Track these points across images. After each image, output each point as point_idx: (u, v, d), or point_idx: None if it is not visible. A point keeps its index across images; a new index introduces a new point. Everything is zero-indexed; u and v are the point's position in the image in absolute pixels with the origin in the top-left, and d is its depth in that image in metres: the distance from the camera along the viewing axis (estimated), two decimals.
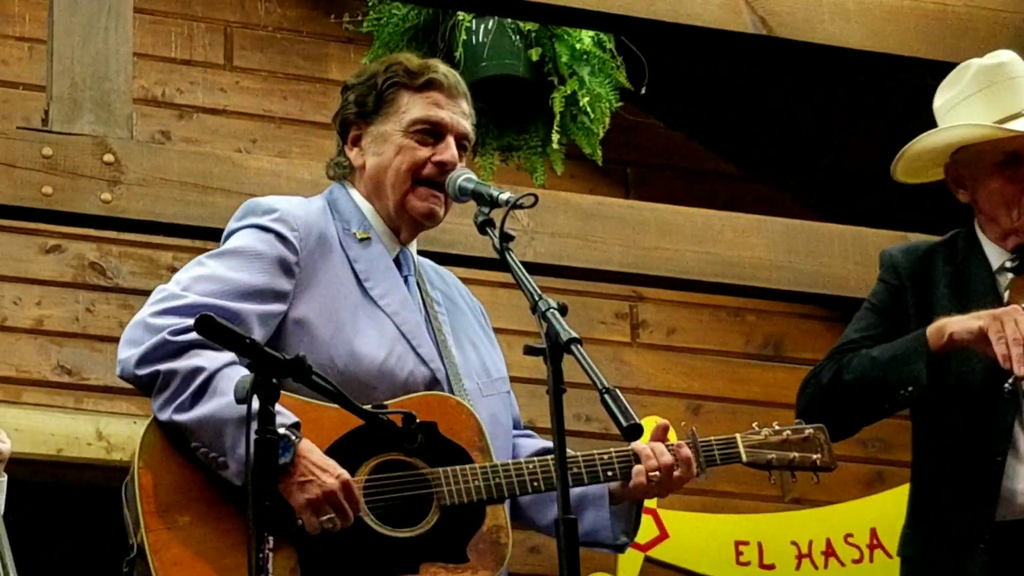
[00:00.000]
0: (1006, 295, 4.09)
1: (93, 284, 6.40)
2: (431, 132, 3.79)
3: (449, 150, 3.77)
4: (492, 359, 3.95)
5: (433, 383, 3.69)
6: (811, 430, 3.96)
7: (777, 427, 3.95)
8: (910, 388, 3.98)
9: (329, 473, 3.42)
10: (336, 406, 3.32)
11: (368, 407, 3.34)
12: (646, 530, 6.50)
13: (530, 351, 3.24)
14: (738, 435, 3.90)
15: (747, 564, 6.81)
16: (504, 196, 3.44)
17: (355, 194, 3.91)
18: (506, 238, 3.43)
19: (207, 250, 3.95)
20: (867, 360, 4.09)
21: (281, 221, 3.73)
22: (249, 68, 6.88)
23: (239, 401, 3.11)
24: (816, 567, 6.80)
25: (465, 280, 4.33)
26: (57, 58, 5.15)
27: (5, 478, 4.94)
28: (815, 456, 3.93)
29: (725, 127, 7.31)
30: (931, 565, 4.11)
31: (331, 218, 3.87)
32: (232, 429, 3.46)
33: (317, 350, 3.55)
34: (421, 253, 4.41)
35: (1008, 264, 4.15)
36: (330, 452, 3.51)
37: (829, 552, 6.81)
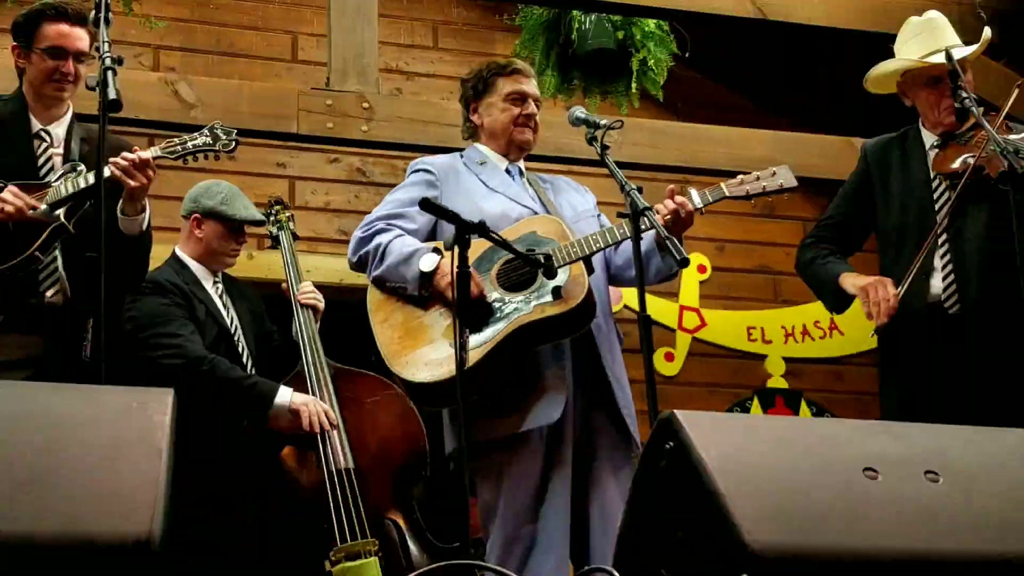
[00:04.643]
0: (931, 161, 4.19)
1: (358, 181, 6.61)
2: (517, 97, 4.17)
3: (530, 107, 4.17)
4: (583, 204, 4.24)
5: (530, 213, 4.01)
6: (776, 168, 4.05)
7: (752, 173, 4.04)
8: (830, 302, 4.33)
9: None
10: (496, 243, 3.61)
11: (495, 234, 3.53)
12: (692, 319, 6.79)
13: (621, 215, 3.65)
14: (723, 183, 4.02)
15: (755, 341, 6.85)
16: (603, 122, 3.82)
17: (478, 144, 4.26)
18: (604, 148, 3.78)
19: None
20: (815, 273, 4.38)
21: (421, 168, 4.18)
22: (448, 48, 7.02)
23: (447, 248, 3.51)
24: (797, 341, 6.86)
25: (578, 175, 4.68)
26: (334, 46, 5.58)
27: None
28: (780, 182, 3.97)
29: (741, 75, 7.16)
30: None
31: (460, 160, 4.21)
32: (401, 267, 3.89)
33: (466, 214, 3.59)
34: (561, 159, 5.00)
35: (935, 143, 4.21)
36: (481, 257, 3.84)
37: (804, 332, 6.87)
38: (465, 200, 3.95)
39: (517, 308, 3.77)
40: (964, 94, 3.90)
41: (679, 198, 3.84)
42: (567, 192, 4.28)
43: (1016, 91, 4.14)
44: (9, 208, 3.66)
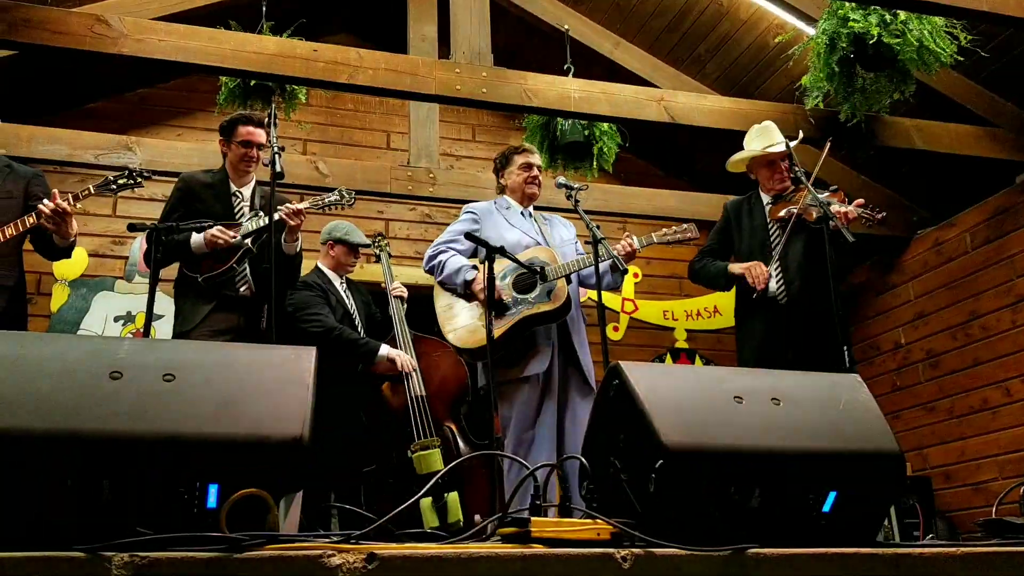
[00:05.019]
0: (767, 214, 4.15)
1: (426, 221, 6.39)
2: (527, 167, 4.13)
3: (534, 172, 4.13)
4: (567, 235, 4.13)
5: (536, 244, 3.95)
6: (687, 224, 4.03)
7: (672, 227, 4.01)
8: (723, 283, 4.20)
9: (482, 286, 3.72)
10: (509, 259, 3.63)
11: (511, 255, 3.57)
12: (629, 306, 6.61)
13: (587, 242, 3.74)
14: (654, 233, 3.98)
15: (667, 319, 6.67)
16: (576, 185, 3.90)
17: (506, 195, 4.17)
18: (576, 201, 3.85)
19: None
20: (707, 271, 4.25)
21: (469, 211, 4.12)
22: (481, 140, 6.82)
23: (481, 262, 3.71)
24: (694, 319, 6.71)
25: (564, 213, 4.50)
26: (412, 139, 5.71)
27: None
28: (689, 235, 3.96)
29: (659, 155, 6.93)
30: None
31: (494, 205, 4.12)
32: (454, 276, 3.90)
33: (494, 242, 3.58)
34: (551, 208, 4.75)
35: (769, 201, 4.18)
36: (503, 270, 3.82)
37: (699, 314, 6.72)
38: (494, 231, 3.94)
39: (524, 305, 3.80)
40: (796, 168, 3.89)
41: (630, 241, 3.89)
42: (558, 227, 4.19)
43: (827, 146, 4.16)
44: (222, 239, 3.72)
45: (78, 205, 3.51)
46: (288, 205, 3.82)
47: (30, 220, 3.46)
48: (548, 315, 3.79)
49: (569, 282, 3.83)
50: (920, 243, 6.10)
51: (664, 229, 4.01)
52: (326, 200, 4.04)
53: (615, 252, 3.72)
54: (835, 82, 4.67)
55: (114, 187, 3.64)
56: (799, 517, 2.00)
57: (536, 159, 4.20)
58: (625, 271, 3.70)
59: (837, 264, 3.75)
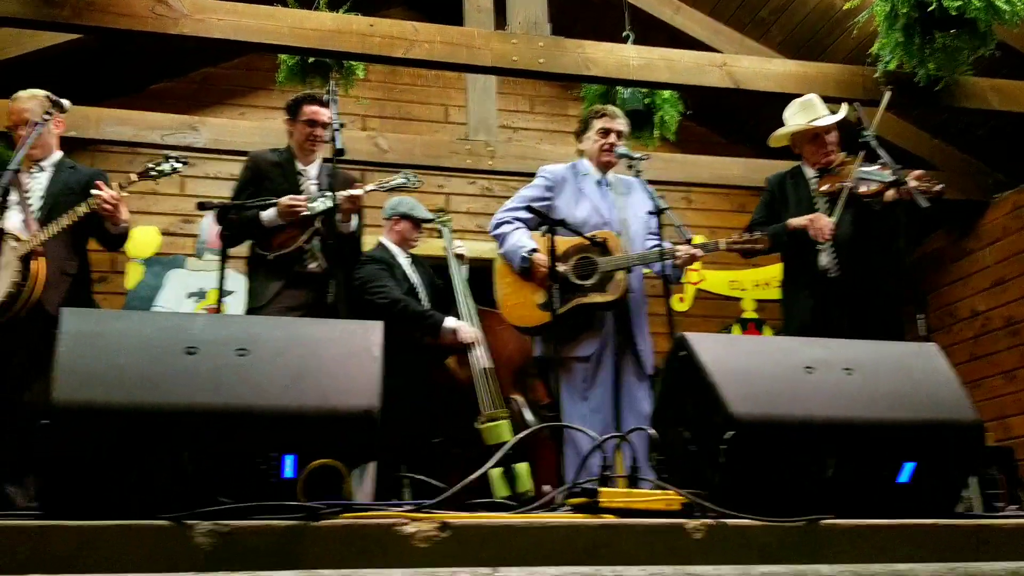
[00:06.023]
0: (813, 189, 4.08)
1: (486, 194, 6.40)
2: (604, 132, 4.03)
3: (610, 139, 4.01)
4: (643, 207, 3.93)
5: (604, 224, 3.87)
6: (757, 234, 3.90)
7: (740, 236, 3.92)
8: (784, 240, 4.03)
9: (542, 266, 3.74)
10: (572, 236, 3.70)
11: (571, 227, 3.63)
12: (695, 276, 6.58)
13: (649, 213, 3.75)
14: (722, 240, 3.88)
15: (735, 289, 6.67)
16: (637, 155, 3.80)
17: (583, 160, 4.10)
18: (638, 171, 3.77)
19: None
20: (772, 231, 4.01)
21: (543, 175, 4.06)
22: (539, 112, 6.79)
23: (542, 235, 3.63)
24: (762, 288, 6.60)
25: None
26: (470, 112, 5.66)
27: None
28: (759, 246, 3.88)
29: (721, 122, 6.78)
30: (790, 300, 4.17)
31: (570, 170, 4.05)
32: (513, 254, 3.88)
33: (563, 215, 3.79)
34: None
35: (814, 176, 4.11)
36: (565, 251, 3.80)
37: (767, 284, 6.55)
38: (565, 203, 3.92)
39: (579, 293, 3.77)
40: (866, 132, 3.74)
41: (691, 250, 3.77)
42: (635, 198, 4.03)
43: (886, 97, 4.06)
44: (299, 206, 3.82)
45: (124, 193, 3.60)
46: (350, 191, 3.81)
47: (82, 209, 3.59)
48: (601, 305, 3.76)
49: (630, 271, 3.79)
50: (998, 207, 5.95)
51: (735, 236, 3.94)
52: (391, 183, 4.08)
53: (674, 251, 3.68)
54: (904, 48, 4.53)
55: (154, 173, 3.72)
56: (875, 488, 1.98)
57: (616, 124, 4.07)
58: (690, 239, 3.67)
59: (907, 232, 3.70)
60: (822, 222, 3.90)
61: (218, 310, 3.61)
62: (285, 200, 3.83)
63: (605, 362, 3.77)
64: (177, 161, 3.73)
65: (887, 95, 4.08)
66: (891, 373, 2.09)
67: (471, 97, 5.70)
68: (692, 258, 3.79)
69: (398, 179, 4.10)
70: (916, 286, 3.59)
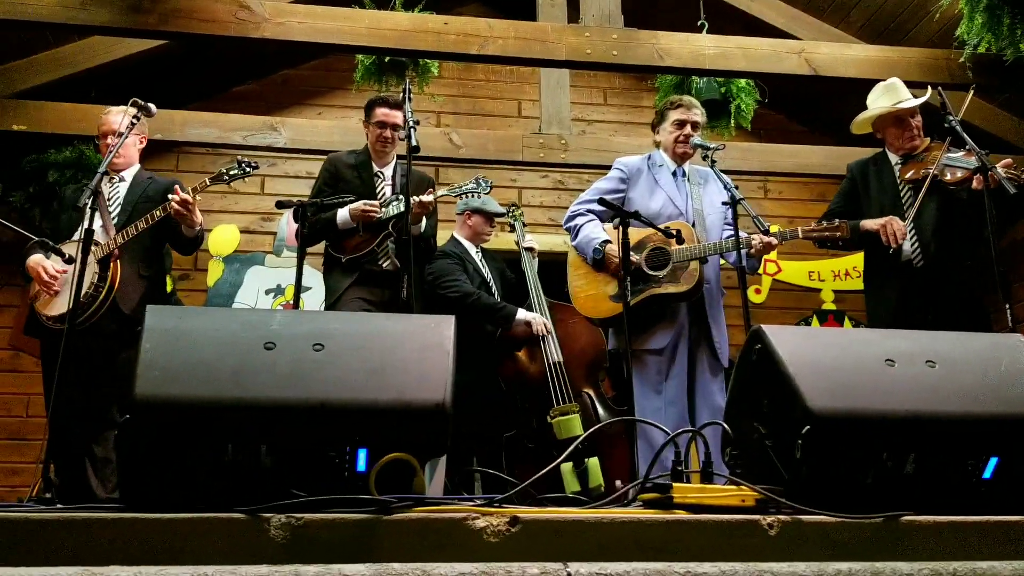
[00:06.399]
0: (897, 175, 3.99)
1: (559, 188, 6.40)
2: (679, 124, 3.97)
3: (685, 131, 3.95)
4: (718, 197, 3.88)
5: (679, 215, 3.82)
6: (837, 222, 3.79)
7: (820, 224, 3.82)
8: (856, 240, 3.92)
9: (615, 257, 3.72)
10: (646, 228, 3.63)
11: (645, 219, 3.54)
12: (772, 267, 6.50)
13: (724, 204, 3.69)
14: (800, 228, 3.81)
15: (813, 280, 6.52)
16: (713, 145, 3.70)
17: (659, 151, 4.04)
18: (713, 161, 3.65)
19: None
20: (852, 223, 3.91)
21: (619, 167, 4.00)
22: (613, 104, 6.74)
23: (615, 227, 3.57)
24: (841, 279, 6.51)
25: None
26: (543, 106, 5.66)
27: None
28: (838, 234, 3.78)
29: (800, 110, 6.66)
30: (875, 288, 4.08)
31: (646, 161, 3.99)
32: (585, 246, 3.84)
33: (638, 207, 3.77)
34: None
35: (898, 162, 4.02)
36: (639, 242, 3.77)
37: (846, 274, 6.50)
38: (640, 195, 3.87)
39: (652, 283, 3.73)
40: (951, 118, 3.59)
41: (766, 239, 3.73)
42: (712, 188, 3.97)
43: (970, 93, 3.94)
44: (372, 212, 3.93)
45: (198, 197, 3.70)
46: (422, 197, 3.85)
47: (157, 213, 3.67)
48: (674, 296, 3.72)
49: (706, 261, 3.75)
50: None
51: (813, 224, 3.85)
52: (463, 188, 4.14)
53: (749, 240, 3.62)
54: (991, 29, 4.41)
55: (227, 178, 3.81)
56: (957, 484, 1.92)
57: (692, 115, 4.00)
58: (766, 231, 3.56)
59: (994, 220, 3.48)
60: (895, 226, 3.82)
61: (296, 306, 3.67)
62: (359, 205, 3.94)
63: (680, 355, 3.73)
64: (249, 165, 3.83)
65: (970, 92, 3.94)
66: (975, 366, 2.02)
67: (544, 91, 5.72)
68: (768, 247, 3.74)
69: (469, 184, 4.15)
70: (1003, 275, 3.42)
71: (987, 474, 1.92)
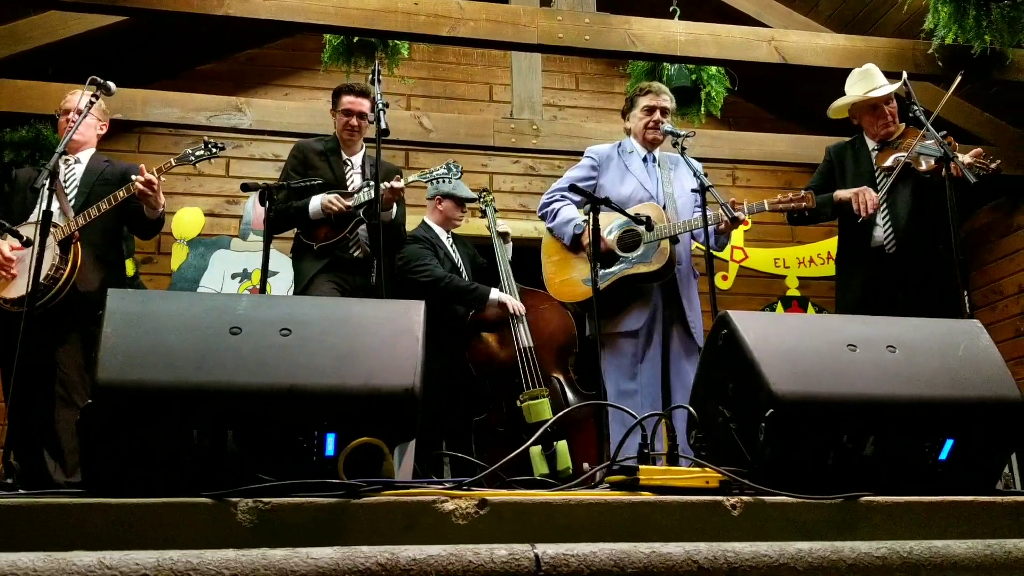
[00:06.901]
0: (874, 160, 4.04)
1: (530, 174, 6.32)
2: (649, 110, 3.98)
3: (655, 116, 3.96)
4: (688, 183, 3.81)
5: (649, 199, 3.85)
6: (802, 192, 3.79)
7: (785, 196, 3.81)
8: (828, 212, 4.02)
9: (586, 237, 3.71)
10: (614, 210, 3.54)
11: (615, 205, 3.48)
12: (739, 254, 6.52)
13: (693, 191, 3.64)
14: (766, 201, 3.80)
15: (779, 267, 6.57)
16: (683, 132, 3.72)
17: (630, 138, 4.05)
18: (683, 149, 3.68)
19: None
20: (819, 201, 3.93)
21: (589, 156, 4.03)
22: (584, 90, 6.68)
23: (586, 212, 3.55)
24: (806, 266, 6.54)
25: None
26: (514, 91, 5.64)
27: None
28: (803, 204, 3.75)
29: (768, 97, 6.61)
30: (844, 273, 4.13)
31: (616, 148, 4.02)
32: (563, 227, 3.87)
33: (608, 193, 3.79)
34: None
35: (874, 147, 4.07)
36: (611, 225, 3.77)
37: (811, 261, 6.56)
38: (610, 181, 3.90)
39: (624, 263, 3.75)
40: (916, 108, 3.65)
41: (736, 212, 3.66)
42: (682, 174, 3.96)
43: (956, 80, 3.97)
44: (335, 207, 3.91)
45: (162, 178, 3.67)
46: (392, 183, 3.85)
47: (120, 194, 3.63)
48: (647, 276, 3.74)
49: (676, 241, 3.76)
50: None
51: (779, 196, 3.84)
52: (434, 173, 4.13)
53: (720, 214, 3.63)
54: (957, 20, 4.45)
55: (193, 159, 3.78)
56: (914, 466, 1.97)
57: (661, 101, 4.01)
58: (734, 218, 3.58)
59: (956, 208, 3.54)
60: (867, 195, 3.86)
61: (262, 291, 3.64)
62: (328, 199, 3.92)
63: (655, 336, 3.76)
64: (215, 146, 3.78)
65: (957, 80, 3.99)
66: (934, 351, 2.07)
67: (516, 75, 5.68)
68: (736, 221, 3.70)
69: (440, 169, 4.14)
70: (962, 263, 3.48)
71: (943, 456, 1.97)
